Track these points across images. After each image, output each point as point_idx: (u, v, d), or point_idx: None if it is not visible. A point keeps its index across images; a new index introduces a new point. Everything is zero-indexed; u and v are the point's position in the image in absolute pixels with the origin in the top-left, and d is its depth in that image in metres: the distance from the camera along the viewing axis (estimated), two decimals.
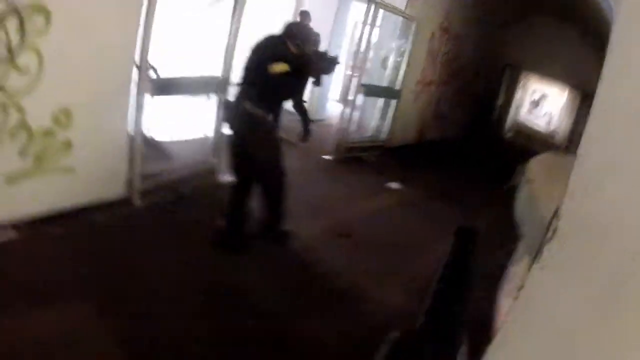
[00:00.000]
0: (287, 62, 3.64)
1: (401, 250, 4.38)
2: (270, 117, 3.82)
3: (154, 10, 3.88)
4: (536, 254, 1.21)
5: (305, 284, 3.71)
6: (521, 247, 2.88)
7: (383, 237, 4.64)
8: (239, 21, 4.90)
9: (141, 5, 3.81)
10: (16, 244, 3.30)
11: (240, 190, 3.98)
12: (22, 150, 3.32)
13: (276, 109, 3.91)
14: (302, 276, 3.82)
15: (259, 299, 3.38)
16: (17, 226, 3.42)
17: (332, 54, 4.23)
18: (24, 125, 3.27)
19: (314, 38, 4.06)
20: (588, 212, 1.12)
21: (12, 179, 3.31)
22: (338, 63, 4.20)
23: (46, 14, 3.14)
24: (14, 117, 3.20)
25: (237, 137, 3.90)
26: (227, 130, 4.10)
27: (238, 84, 3.92)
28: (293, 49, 3.81)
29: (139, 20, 3.83)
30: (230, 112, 3.99)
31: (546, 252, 1.18)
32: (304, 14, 6.87)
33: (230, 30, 4.92)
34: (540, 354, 1.22)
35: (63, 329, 2.63)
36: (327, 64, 4.00)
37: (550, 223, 1.19)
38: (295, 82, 3.87)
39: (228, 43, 4.95)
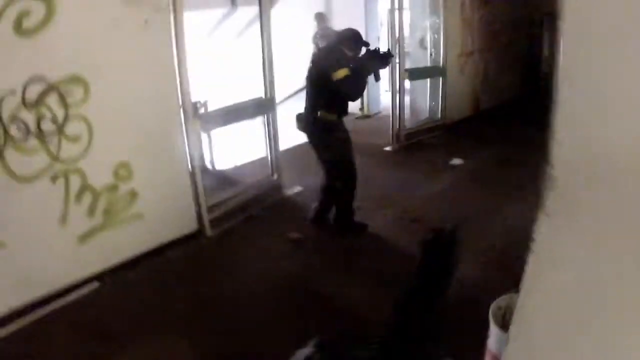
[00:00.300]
0: (346, 67, 3.97)
1: (472, 223, 4.33)
2: (341, 120, 4.27)
3: (184, 52, 4.08)
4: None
5: (381, 272, 3.78)
6: None
7: (451, 214, 4.60)
8: (269, 39, 5.06)
9: (172, 50, 4.02)
10: (101, 294, 3.60)
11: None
12: (90, 210, 3.64)
13: (344, 111, 4.29)
14: (378, 265, 3.90)
15: (345, 300, 3.46)
16: (99, 277, 3.72)
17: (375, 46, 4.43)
18: (87, 187, 3.59)
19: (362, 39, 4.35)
20: (578, 158, 1.14)
21: (84, 238, 3.63)
22: (392, 56, 4.60)
23: (84, 83, 3.43)
24: (76, 182, 3.51)
25: (315, 143, 4.37)
26: (305, 139, 4.54)
27: (306, 97, 4.35)
28: (349, 53, 4.15)
29: (172, 62, 4.03)
30: (304, 123, 4.36)
31: (548, 200, 1.21)
32: (320, 16, 6.70)
33: (263, 51, 5.10)
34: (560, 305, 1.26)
35: None
36: (381, 59, 4.27)
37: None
38: (357, 83, 4.15)
39: (264, 64, 5.12)
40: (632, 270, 1.08)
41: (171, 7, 3.95)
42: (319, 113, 4.19)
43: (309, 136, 4.42)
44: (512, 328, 1.47)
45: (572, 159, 1.16)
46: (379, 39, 9.43)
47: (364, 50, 4.25)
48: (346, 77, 3.96)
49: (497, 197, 5.06)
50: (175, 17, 3.98)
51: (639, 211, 1.06)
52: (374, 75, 4.30)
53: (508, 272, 2.13)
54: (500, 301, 2.15)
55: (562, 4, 1.09)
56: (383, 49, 4.47)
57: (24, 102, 3.17)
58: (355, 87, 4.13)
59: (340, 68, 3.96)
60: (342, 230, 4.47)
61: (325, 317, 3.26)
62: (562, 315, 1.28)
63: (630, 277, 1.09)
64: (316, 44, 8.20)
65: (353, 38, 4.25)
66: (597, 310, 1.17)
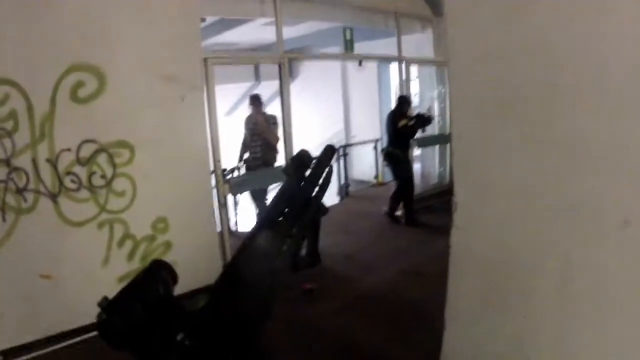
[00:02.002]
0: (406, 118, 6.64)
1: None
2: (403, 152, 6.80)
3: (216, 124, 4.80)
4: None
5: (388, 315, 4.20)
6: None
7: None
8: (289, 112, 5.74)
9: (205, 122, 4.69)
10: None
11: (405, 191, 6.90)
12: (129, 255, 4.21)
13: (406, 147, 6.86)
14: (385, 309, 4.34)
15: (351, 338, 3.87)
16: None
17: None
18: (129, 235, 4.18)
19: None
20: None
21: (123, 279, 4.08)
22: (433, 119, 7.36)
23: (130, 147, 4.10)
24: (119, 230, 4.12)
25: (390, 166, 7.09)
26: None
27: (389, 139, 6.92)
28: (407, 111, 6.80)
29: (205, 131, 4.70)
30: (384, 154, 7.11)
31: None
32: (254, 98, 6.57)
33: (284, 123, 5.77)
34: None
35: None
36: (425, 119, 6.89)
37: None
38: (412, 130, 6.74)
39: (285, 135, 5.78)
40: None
41: (204, 86, 4.68)
42: (390, 149, 6.83)
43: (386, 162, 7.19)
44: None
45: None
46: (389, 106, 10.10)
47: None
48: (404, 125, 6.57)
49: None
50: (208, 95, 4.71)
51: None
52: (422, 129, 7.00)
53: None
54: None
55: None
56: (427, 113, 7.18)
57: (77, 159, 3.87)
58: (410, 132, 6.73)
59: (402, 119, 6.60)
60: (410, 222, 6.77)
61: (334, 351, 3.67)
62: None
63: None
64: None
65: (407, 101, 6.90)
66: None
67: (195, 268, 4.62)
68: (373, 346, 3.74)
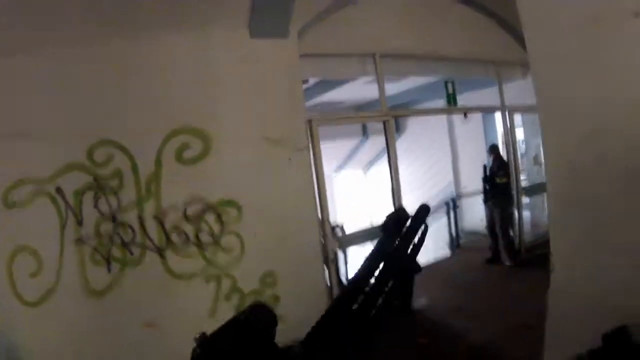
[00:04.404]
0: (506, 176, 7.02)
1: None
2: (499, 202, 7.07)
3: (324, 183, 5.11)
4: None
5: None
6: None
7: None
8: (396, 167, 5.89)
9: (312, 181, 4.98)
10: None
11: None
12: (237, 307, 4.44)
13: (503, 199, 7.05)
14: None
15: None
16: None
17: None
18: (236, 289, 4.47)
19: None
20: None
21: None
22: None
23: (237, 206, 4.45)
24: (227, 284, 4.41)
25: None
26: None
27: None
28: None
29: (312, 189, 4.98)
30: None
31: None
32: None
33: (391, 178, 5.90)
34: None
35: None
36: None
37: None
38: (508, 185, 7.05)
39: (393, 194, 5.89)
40: None
41: (310, 147, 4.99)
42: (492, 201, 7.18)
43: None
44: None
45: None
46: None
47: None
48: (503, 181, 7.01)
49: None
50: (314, 155, 5.03)
51: None
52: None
53: None
54: None
55: None
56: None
57: (185, 216, 4.26)
58: (507, 187, 7.03)
59: (501, 174, 7.04)
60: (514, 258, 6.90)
61: None
62: None
63: None
64: None
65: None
66: None
67: (304, 322, 4.82)
68: None
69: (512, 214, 7.15)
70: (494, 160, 7.32)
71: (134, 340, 4.04)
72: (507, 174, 7.08)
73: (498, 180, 7.08)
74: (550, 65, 2.40)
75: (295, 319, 4.79)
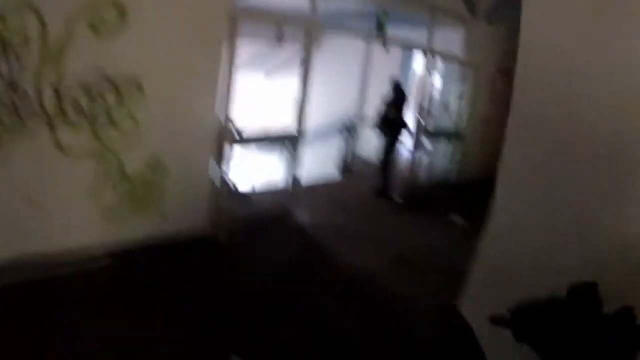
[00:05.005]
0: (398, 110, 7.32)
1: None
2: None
3: (232, 76, 4.87)
4: None
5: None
6: None
7: (438, 263, 5.18)
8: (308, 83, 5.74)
9: (218, 73, 4.71)
10: (109, 270, 4.06)
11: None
12: (123, 194, 4.27)
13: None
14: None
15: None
16: (112, 255, 4.19)
17: None
18: (123, 174, 4.23)
19: None
20: None
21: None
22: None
23: (139, 86, 4.09)
24: (114, 166, 4.16)
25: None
26: None
27: None
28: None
29: (217, 84, 4.73)
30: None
31: None
32: None
33: (301, 92, 5.76)
34: None
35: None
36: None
37: None
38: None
39: (300, 102, 5.75)
40: None
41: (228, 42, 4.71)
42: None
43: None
44: None
45: None
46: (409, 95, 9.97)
47: None
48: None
49: None
50: (231, 50, 4.79)
51: None
52: None
53: None
54: None
55: None
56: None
57: (85, 89, 3.81)
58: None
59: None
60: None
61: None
62: None
63: None
64: None
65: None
66: None
67: (186, 218, 4.74)
68: None
69: (393, 149, 7.48)
70: (393, 95, 7.41)
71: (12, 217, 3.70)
72: (400, 110, 7.29)
73: (391, 115, 7.25)
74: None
75: (179, 215, 4.64)
